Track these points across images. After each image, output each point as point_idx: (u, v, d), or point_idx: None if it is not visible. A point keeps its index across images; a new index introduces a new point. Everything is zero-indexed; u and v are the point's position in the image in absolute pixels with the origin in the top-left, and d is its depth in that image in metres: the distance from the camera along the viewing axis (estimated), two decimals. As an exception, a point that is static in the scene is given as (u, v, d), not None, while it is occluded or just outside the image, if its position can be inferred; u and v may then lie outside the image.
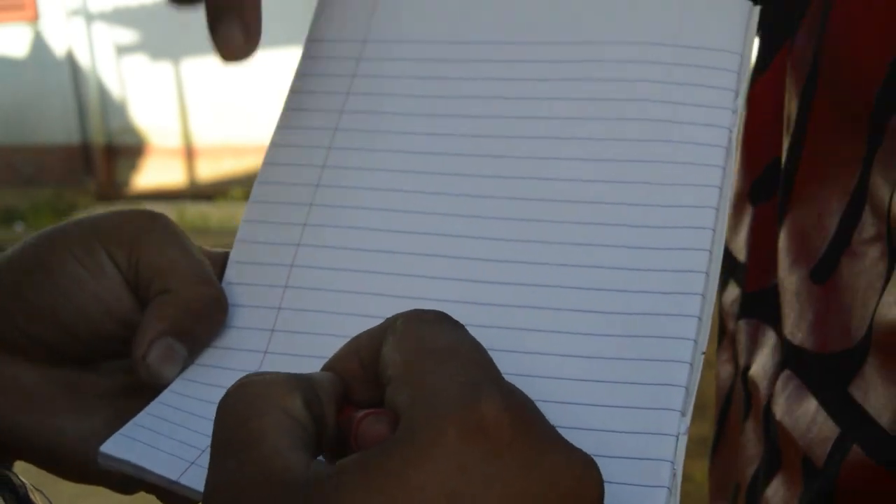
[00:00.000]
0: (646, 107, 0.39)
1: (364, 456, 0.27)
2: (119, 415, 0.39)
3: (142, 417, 0.37)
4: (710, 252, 0.36)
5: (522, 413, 0.27)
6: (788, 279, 0.48)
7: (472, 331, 0.30)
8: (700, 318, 0.35)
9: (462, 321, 0.31)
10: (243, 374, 0.38)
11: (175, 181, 6.65)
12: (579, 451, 0.27)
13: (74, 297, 0.39)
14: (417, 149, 0.41)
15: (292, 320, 0.40)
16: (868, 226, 0.42)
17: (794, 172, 0.48)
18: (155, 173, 6.70)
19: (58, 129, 6.78)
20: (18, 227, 5.86)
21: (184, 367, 0.39)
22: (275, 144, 0.44)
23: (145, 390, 0.39)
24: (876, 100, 0.41)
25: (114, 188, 6.74)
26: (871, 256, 0.42)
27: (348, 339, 0.36)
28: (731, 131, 0.38)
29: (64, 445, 0.39)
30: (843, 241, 0.44)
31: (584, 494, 0.27)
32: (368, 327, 0.36)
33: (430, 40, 0.44)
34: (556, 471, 0.26)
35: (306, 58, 0.46)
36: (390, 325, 0.31)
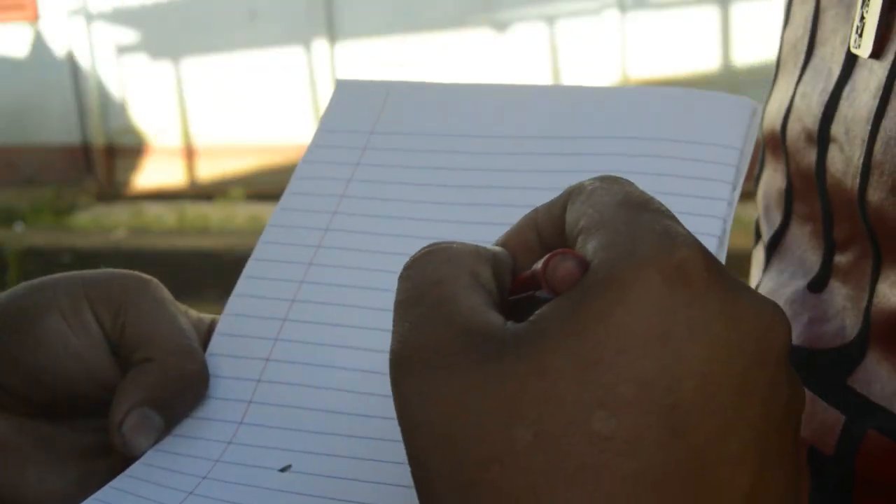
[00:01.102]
0: None
1: (564, 300, 0.26)
2: (88, 473, 0.39)
3: (105, 492, 0.37)
4: None
5: (715, 261, 0.27)
6: (781, 290, 0.49)
7: None
8: None
9: None
10: (216, 444, 0.39)
11: (175, 181, 6.65)
12: (767, 298, 0.27)
13: (54, 353, 0.39)
14: (409, 249, 0.42)
15: (270, 392, 0.40)
16: (841, 229, 0.44)
17: (791, 193, 0.50)
18: (155, 173, 6.70)
19: (58, 129, 6.78)
20: (18, 227, 5.86)
21: (159, 438, 0.39)
22: (272, 225, 0.45)
23: (117, 451, 0.39)
24: (824, 110, 0.44)
25: (114, 188, 6.74)
26: (852, 257, 0.43)
27: (325, 413, 0.37)
28: (725, 221, 0.39)
29: (28, 498, 0.39)
30: (830, 248, 0.45)
31: (774, 340, 0.27)
32: (345, 403, 0.36)
33: (433, 133, 0.45)
34: (750, 317, 0.27)
35: (314, 147, 0.47)
36: (573, 190, 0.30)
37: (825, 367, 0.45)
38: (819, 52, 0.48)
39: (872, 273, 0.42)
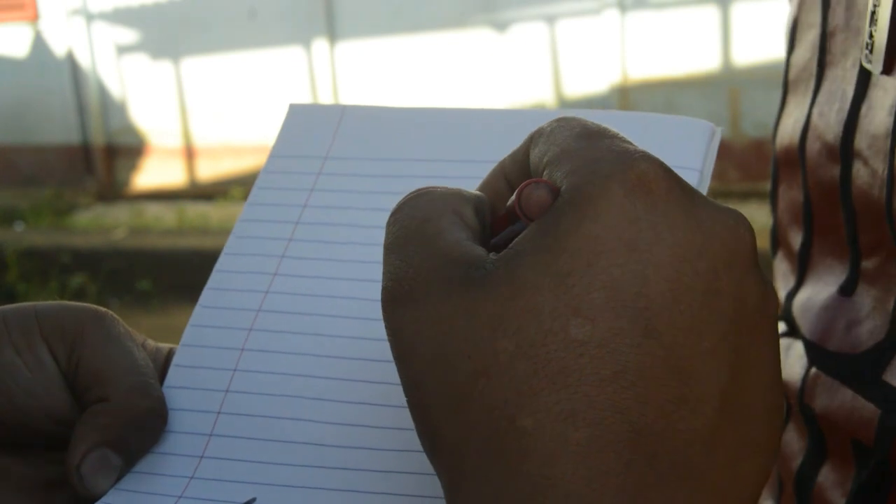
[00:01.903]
0: None
1: (538, 223, 0.28)
2: None
3: None
4: None
5: (673, 172, 0.28)
6: (813, 299, 0.52)
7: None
8: None
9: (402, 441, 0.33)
10: (178, 479, 0.38)
11: (175, 181, 6.65)
12: (729, 207, 0.29)
13: (7, 389, 0.38)
14: (364, 274, 0.42)
15: (231, 424, 0.40)
16: (866, 236, 0.47)
17: (810, 207, 0.52)
18: (155, 173, 6.71)
19: (58, 129, 6.78)
20: (18, 227, 5.86)
21: (119, 477, 0.38)
22: (227, 253, 0.44)
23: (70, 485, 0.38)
24: (843, 128, 0.47)
25: (114, 188, 6.74)
26: (878, 262, 0.46)
27: (286, 444, 0.37)
28: None
29: None
30: (857, 255, 0.48)
31: (739, 242, 0.28)
32: (306, 433, 0.37)
33: (387, 158, 0.45)
34: (713, 221, 0.28)
35: (266, 172, 0.46)
36: (534, 134, 0.32)
37: (864, 368, 0.47)
38: (830, 74, 0.50)
39: None
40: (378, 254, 0.42)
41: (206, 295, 0.43)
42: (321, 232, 0.43)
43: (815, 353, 0.52)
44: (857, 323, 0.48)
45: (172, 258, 4.80)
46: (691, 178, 0.40)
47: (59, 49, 6.67)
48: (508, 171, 0.33)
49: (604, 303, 0.27)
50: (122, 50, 6.63)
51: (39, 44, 6.72)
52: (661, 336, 0.27)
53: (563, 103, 5.89)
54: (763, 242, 0.60)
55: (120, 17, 6.56)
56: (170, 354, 0.42)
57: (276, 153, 0.46)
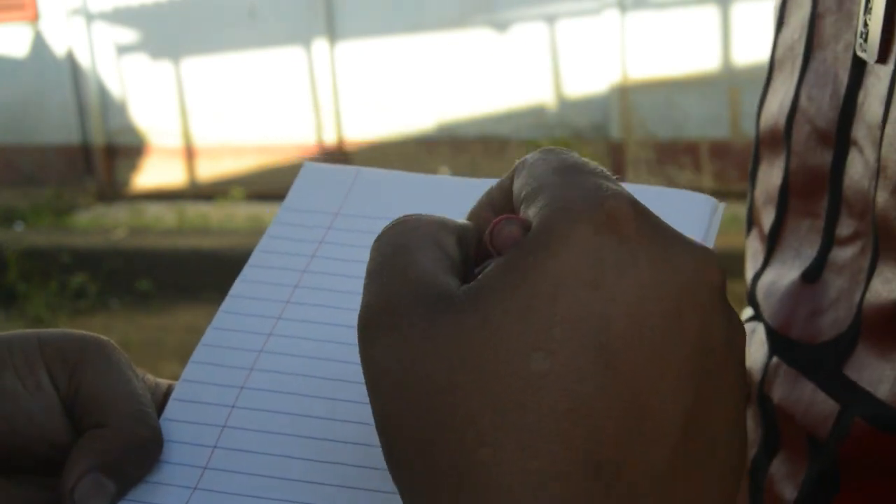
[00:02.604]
0: None
1: (504, 258, 0.29)
2: None
3: None
4: None
5: (643, 208, 0.29)
6: (777, 283, 0.52)
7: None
8: None
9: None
10: None
11: (175, 181, 6.66)
12: (699, 244, 0.29)
13: (7, 413, 0.38)
14: None
15: (226, 459, 0.40)
16: (845, 227, 0.47)
17: (787, 189, 0.52)
18: (155, 173, 6.71)
19: (58, 129, 6.78)
20: (18, 227, 5.87)
21: (112, 503, 0.39)
22: (233, 295, 0.45)
23: None
24: (840, 114, 0.47)
25: (114, 188, 6.74)
26: (852, 253, 0.47)
27: (282, 481, 0.38)
28: None
29: None
30: (828, 243, 0.48)
31: (705, 278, 0.28)
32: (301, 471, 0.37)
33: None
34: (681, 259, 0.28)
35: (278, 223, 0.47)
36: (518, 165, 0.32)
37: (825, 360, 0.47)
38: (818, 55, 0.50)
39: (869, 269, 0.44)
40: None
41: (210, 334, 0.44)
42: (327, 281, 0.44)
43: (777, 340, 0.52)
44: (819, 312, 0.48)
45: (172, 258, 4.80)
46: None
47: (59, 49, 6.67)
48: (495, 200, 0.34)
49: (564, 338, 0.27)
50: (122, 50, 6.63)
51: (39, 44, 6.72)
52: (621, 371, 0.27)
53: (563, 103, 5.90)
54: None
55: (120, 17, 6.57)
56: (169, 390, 0.43)
57: (289, 206, 0.47)
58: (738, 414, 0.29)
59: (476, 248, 0.33)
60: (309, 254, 0.45)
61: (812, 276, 0.49)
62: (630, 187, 0.44)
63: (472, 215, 0.35)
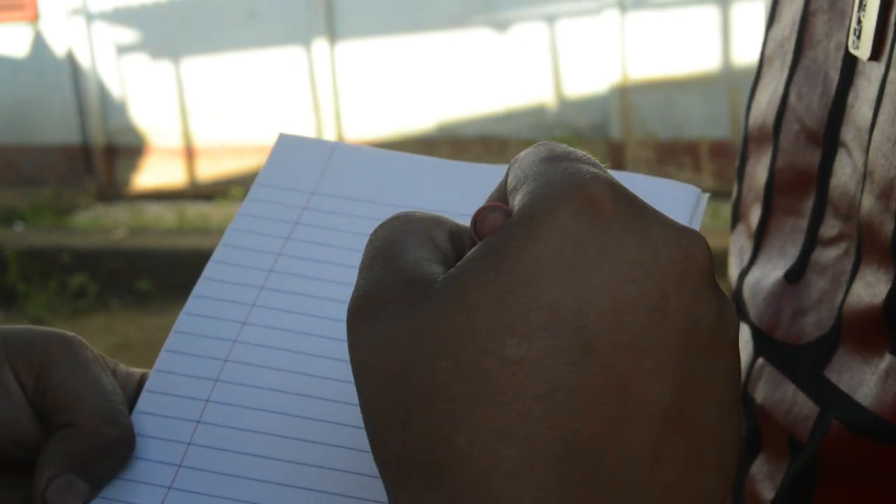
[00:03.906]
0: None
1: (484, 243, 0.29)
2: None
3: None
4: None
5: (624, 191, 0.29)
6: (762, 282, 0.52)
7: None
8: None
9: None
10: None
11: (175, 181, 6.65)
12: (684, 226, 0.29)
13: None
14: (341, 314, 0.42)
15: (201, 456, 0.39)
16: (830, 227, 0.47)
17: (772, 187, 0.52)
18: (155, 173, 6.70)
19: (58, 129, 6.78)
20: (18, 227, 5.86)
21: (86, 503, 0.38)
22: (206, 277, 0.44)
23: None
24: (829, 115, 0.47)
25: (114, 188, 6.74)
26: (835, 254, 0.46)
27: (257, 482, 0.38)
28: None
29: None
30: (810, 243, 0.48)
31: (691, 261, 0.28)
32: (278, 470, 0.38)
33: (372, 200, 0.44)
34: (663, 240, 0.28)
35: (251, 200, 0.46)
36: (512, 161, 0.33)
37: (806, 361, 0.47)
38: (809, 53, 0.50)
39: (851, 272, 0.44)
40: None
41: (183, 319, 0.43)
42: (301, 267, 0.43)
43: (762, 341, 0.52)
44: (802, 313, 0.48)
45: (172, 258, 4.80)
46: None
47: (59, 49, 6.67)
48: (495, 199, 0.34)
49: (541, 322, 0.27)
50: (122, 50, 6.63)
51: (39, 44, 6.71)
52: (599, 355, 0.27)
53: (563, 103, 5.89)
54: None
55: (120, 17, 6.56)
56: (142, 379, 0.42)
57: (262, 181, 0.46)
58: (732, 400, 0.29)
59: (469, 244, 0.33)
60: (284, 235, 0.44)
61: (794, 276, 0.49)
62: (617, 174, 0.44)
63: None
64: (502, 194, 0.33)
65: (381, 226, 0.32)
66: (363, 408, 0.29)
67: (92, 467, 0.38)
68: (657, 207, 0.42)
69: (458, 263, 0.29)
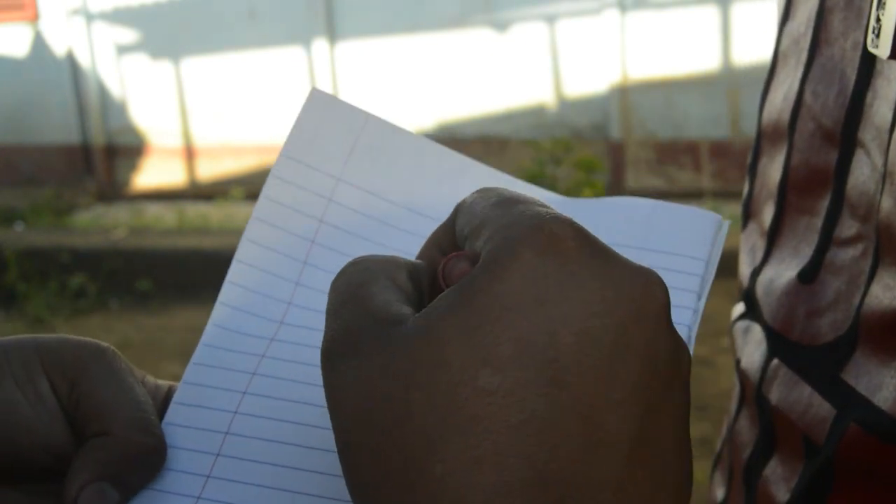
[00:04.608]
0: None
1: (455, 286, 0.30)
2: None
3: None
4: None
5: (585, 232, 0.30)
6: (776, 282, 0.52)
7: None
8: None
9: None
10: None
11: (175, 181, 6.65)
12: (641, 266, 0.30)
13: (7, 423, 0.38)
14: None
15: (229, 467, 0.40)
16: (846, 227, 0.47)
17: (785, 185, 0.52)
18: (155, 173, 6.71)
19: (58, 129, 6.78)
20: (18, 227, 5.86)
21: None
22: (231, 282, 0.43)
23: None
24: (846, 114, 0.47)
25: (114, 188, 6.74)
26: (852, 255, 0.46)
27: (284, 492, 0.38)
28: (690, 328, 0.40)
29: None
30: (825, 243, 0.48)
31: (649, 299, 0.29)
32: (304, 482, 0.38)
33: (394, 202, 0.44)
34: (624, 277, 0.29)
35: (275, 178, 0.43)
36: (458, 206, 0.34)
37: (822, 363, 0.47)
38: (825, 51, 0.49)
39: (869, 274, 0.44)
40: None
41: (210, 332, 0.43)
42: (327, 282, 0.42)
43: (776, 341, 0.52)
44: (817, 313, 0.48)
45: (172, 258, 4.80)
46: (697, 268, 0.40)
47: (58, 49, 6.67)
48: (441, 240, 0.35)
49: (512, 354, 0.28)
50: (122, 50, 6.63)
51: (39, 44, 6.72)
52: (569, 386, 0.28)
53: (563, 103, 5.89)
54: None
55: (120, 17, 6.56)
56: (169, 392, 0.42)
57: (289, 153, 0.44)
58: (684, 434, 0.30)
59: (430, 286, 0.34)
60: (310, 238, 0.43)
61: (808, 276, 0.49)
62: (635, 201, 0.43)
63: (421, 254, 0.36)
64: (450, 236, 0.34)
65: (342, 273, 0.33)
66: (339, 446, 0.30)
67: (124, 476, 0.38)
68: (677, 235, 0.42)
69: (429, 305, 0.30)
